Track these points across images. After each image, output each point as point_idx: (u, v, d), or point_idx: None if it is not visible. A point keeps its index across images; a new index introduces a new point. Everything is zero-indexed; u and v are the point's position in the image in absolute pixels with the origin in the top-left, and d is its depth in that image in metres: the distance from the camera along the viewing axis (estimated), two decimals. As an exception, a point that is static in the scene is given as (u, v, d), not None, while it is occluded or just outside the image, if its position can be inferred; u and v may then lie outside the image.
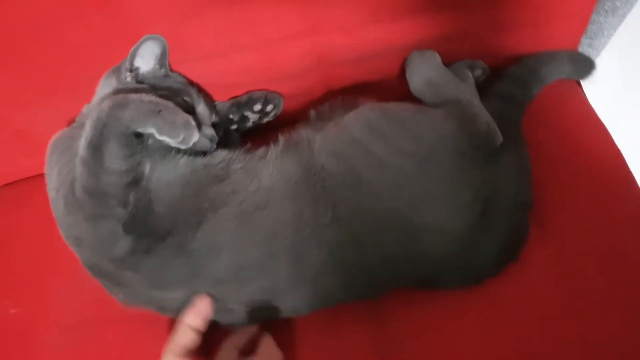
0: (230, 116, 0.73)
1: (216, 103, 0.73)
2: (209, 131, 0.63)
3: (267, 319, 0.58)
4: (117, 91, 0.60)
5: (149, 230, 0.53)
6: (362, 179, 0.56)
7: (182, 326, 0.55)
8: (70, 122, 0.65)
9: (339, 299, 0.59)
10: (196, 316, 0.55)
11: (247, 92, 0.73)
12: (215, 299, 0.56)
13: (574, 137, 0.70)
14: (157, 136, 0.53)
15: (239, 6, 0.62)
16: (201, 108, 0.65)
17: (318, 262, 0.54)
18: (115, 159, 0.52)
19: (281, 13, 0.63)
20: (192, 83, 0.67)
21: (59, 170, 0.57)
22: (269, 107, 0.73)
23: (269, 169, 0.58)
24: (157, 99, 0.55)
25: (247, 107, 0.72)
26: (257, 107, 0.72)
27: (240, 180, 0.57)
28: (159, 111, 0.53)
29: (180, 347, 0.54)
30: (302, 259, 0.54)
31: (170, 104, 0.55)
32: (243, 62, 0.68)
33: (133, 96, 0.54)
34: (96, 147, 0.52)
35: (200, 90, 0.68)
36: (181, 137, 0.53)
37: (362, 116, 0.60)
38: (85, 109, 0.65)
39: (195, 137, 0.54)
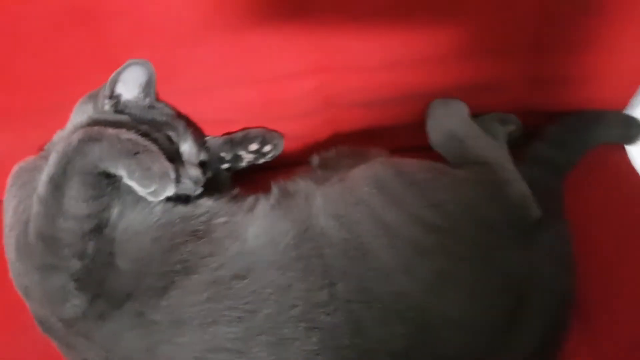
0: (222, 154, 0.68)
1: (207, 138, 0.69)
2: (194, 172, 0.59)
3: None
4: (93, 121, 0.56)
5: (106, 290, 0.48)
6: (368, 252, 0.49)
7: None
8: (40, 149, 0.60)
9: None
10: None
11: (243, 129, 0.69)
12: None
13: (619, 210, 0.61)
14: (126, 180, 0.49)
15: (239, 34, 0.58)
16: (187, 145, 0.61)
17: (306, 350, 0.46)
18: (76, 201, 0.48)
19: (286, 44, 0.60)
20: (180, 116, 0.63)
21: (16, 206, 0.53)
22: (267, 148, 0.69)
23: (255, 226, 0.52)
24: (138, 138, 0.51)
25: (242, 146, 0.68)
26: (254, 146, 0.68)
27: (221, 239, 0.51)
28: (136, 153, 0.49)
29: None
30: (287, 345, 0.47)
31: (154, 148, 0.51)
32: (240, 96, 0.65)
33: (110, 131, 0.50)
34: (57, 185, 0.48)
35: (189, 124, 0.64)
36: (152, 188, 0.49)
37: (372, 173, 0.55)
38: (56, 137, 0.61)
39: (169, 192, 0.50)
